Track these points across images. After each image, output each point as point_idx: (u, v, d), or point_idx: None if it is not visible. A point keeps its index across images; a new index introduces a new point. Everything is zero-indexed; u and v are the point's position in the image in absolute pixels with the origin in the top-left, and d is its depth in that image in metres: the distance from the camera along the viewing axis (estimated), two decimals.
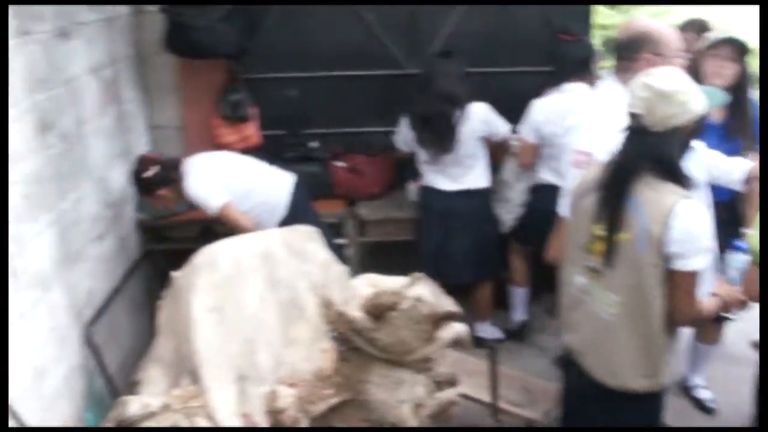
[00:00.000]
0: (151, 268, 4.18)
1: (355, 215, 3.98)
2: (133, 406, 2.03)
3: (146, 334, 4.08)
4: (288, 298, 2.43)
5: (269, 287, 2.44)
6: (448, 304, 2.25)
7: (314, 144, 4.00)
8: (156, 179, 3.23)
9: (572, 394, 2.31)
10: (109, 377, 3.28)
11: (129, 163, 3.86)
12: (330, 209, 3.92)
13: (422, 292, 2.18)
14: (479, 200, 3.74)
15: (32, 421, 2.38)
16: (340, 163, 3.98)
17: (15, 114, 2.59)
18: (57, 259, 2.92)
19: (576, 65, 3.40)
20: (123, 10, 3.86)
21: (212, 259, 2.47)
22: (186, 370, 2.30)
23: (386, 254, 3.66)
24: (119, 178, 3.71)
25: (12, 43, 2.59)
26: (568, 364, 2.27)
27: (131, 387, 3.23)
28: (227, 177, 3.28)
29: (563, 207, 2.59)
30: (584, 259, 2.08)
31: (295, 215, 3.32)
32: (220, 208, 3.13)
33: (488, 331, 3.93)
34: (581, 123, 2.90)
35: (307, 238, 2.60)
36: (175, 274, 2.57)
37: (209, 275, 2.43)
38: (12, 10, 2.56)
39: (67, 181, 3.06)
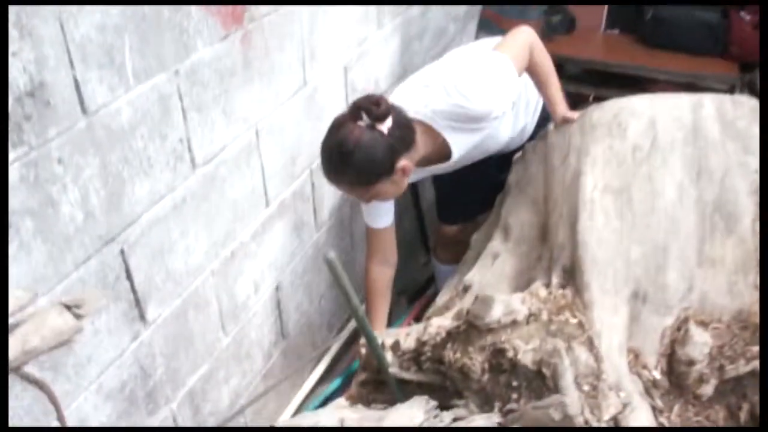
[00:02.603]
0: None
1: (750, 85, 3.00)
2: (497, 310, 1.45)
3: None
4: (715, 198, 1.67)
5: (693, 177, 1.68)
6: None
7: None
8: None
9: None
10: (421, 216, 2.79)
11: None
12: (718, 70, 2.97)
13: None
14: None
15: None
16: (745, 14, 2.95)
17: None
18: (393, 75, 2.36)
19: None
20: None
21: (620, 119, 1.74)
22: (557, 261, 1.67)
23: None
24: None
25: None
26: None
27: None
28: None
29: None
30: None
31: None
32: None
33: None
34: None
35: (752, 116, 1.76)
36: (557, 124, 1.90)
37: (613, 141, 1.72)
38: None
39: None
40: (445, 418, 1.18)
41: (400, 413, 1.16)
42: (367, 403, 1.68)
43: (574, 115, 1.86)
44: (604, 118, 1.77)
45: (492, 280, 1.85)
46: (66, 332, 0.77)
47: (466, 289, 1.88)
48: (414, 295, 2.65)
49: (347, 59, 1.95)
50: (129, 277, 1.32)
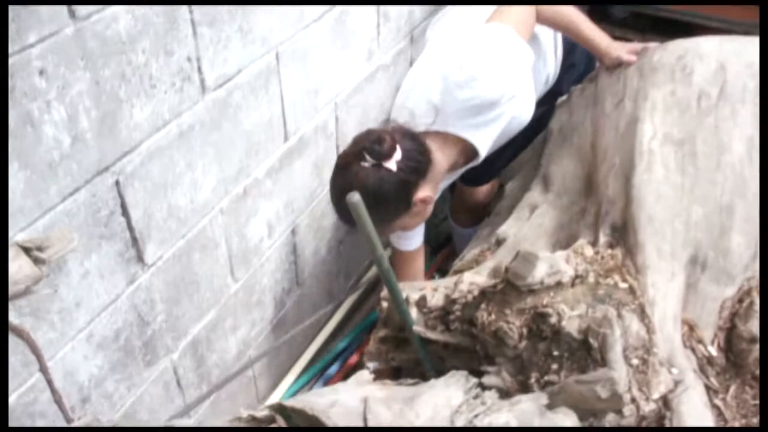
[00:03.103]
0: None
1: None
2: (541, 269, 1.26)
3: None
4: None
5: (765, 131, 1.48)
6: None
7: None
8: None
9: None
10: None
11: None
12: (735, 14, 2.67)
13: None
14: None
15: None
16: None
17: None
18: (429, 6, 2.12)
19: None
20: None
21: (684, 62, 1.52)
22: (605, 217, 1.48)
23: None
24: None
25: None
26: None
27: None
28: None
29: None
30: None
31: None
32: None
33: None
34: None
35: None
36: (608, 66, 1.68)
37: (675, 86, 1.51)
38: None
39: None
40: (487, 400, 1.01)
41: (435, 393, 0.99)
42: (387, 361, 1.52)
43: (630, 56, 1.64)
44: (667, 60, 1.56)
45: (529, 234, 1.66)
46: (21, 281, 0.59)
47: (499, 242, 1.70)
48: (438, 245, 2.47)
49: None
50: (125, 212, 1.14)
